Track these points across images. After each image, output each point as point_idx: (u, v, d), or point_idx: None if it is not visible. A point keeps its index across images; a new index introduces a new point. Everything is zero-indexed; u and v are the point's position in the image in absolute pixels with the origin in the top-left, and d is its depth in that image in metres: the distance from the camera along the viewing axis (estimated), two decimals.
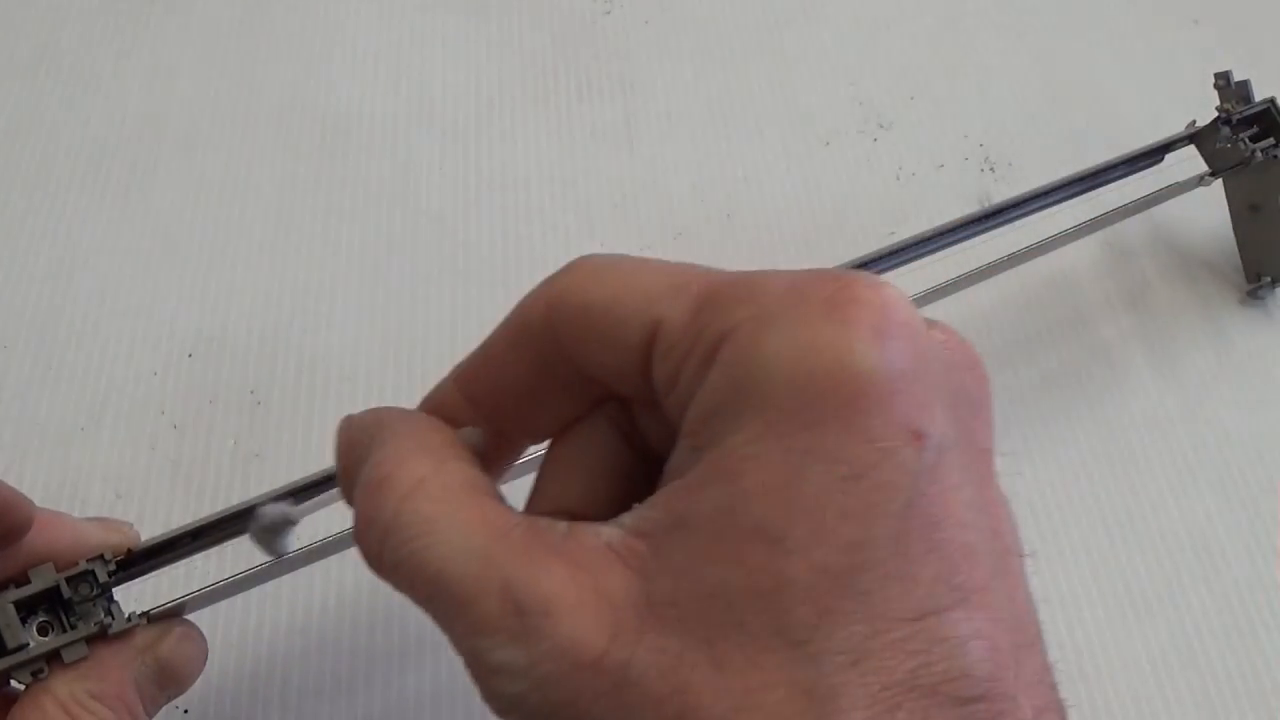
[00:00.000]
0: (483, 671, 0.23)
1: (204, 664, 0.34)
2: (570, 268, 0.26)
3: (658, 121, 0.58)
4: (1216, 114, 0.52)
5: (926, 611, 0.21)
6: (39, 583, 0.31)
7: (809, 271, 0.23)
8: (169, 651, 0.33)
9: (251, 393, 0.47)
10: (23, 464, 0.45)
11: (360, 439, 0.27)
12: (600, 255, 0.26)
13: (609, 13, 0.61)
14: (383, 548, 0.24)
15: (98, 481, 0.45)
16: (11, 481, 0.31)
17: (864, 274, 0.23)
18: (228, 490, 0.45)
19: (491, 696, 0.23)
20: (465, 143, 0.56)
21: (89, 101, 0.56)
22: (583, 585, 0.22)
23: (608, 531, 0.23)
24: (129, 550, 0.33)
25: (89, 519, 0.34)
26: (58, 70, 0.56)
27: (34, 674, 0.31)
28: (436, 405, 0.28)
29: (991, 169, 0.58)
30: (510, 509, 0.25)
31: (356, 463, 0.26)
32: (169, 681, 0.33)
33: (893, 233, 0.55)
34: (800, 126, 0.58)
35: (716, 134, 0.57)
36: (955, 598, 0.21)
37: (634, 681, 0.21)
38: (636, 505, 0.23)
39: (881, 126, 0.59)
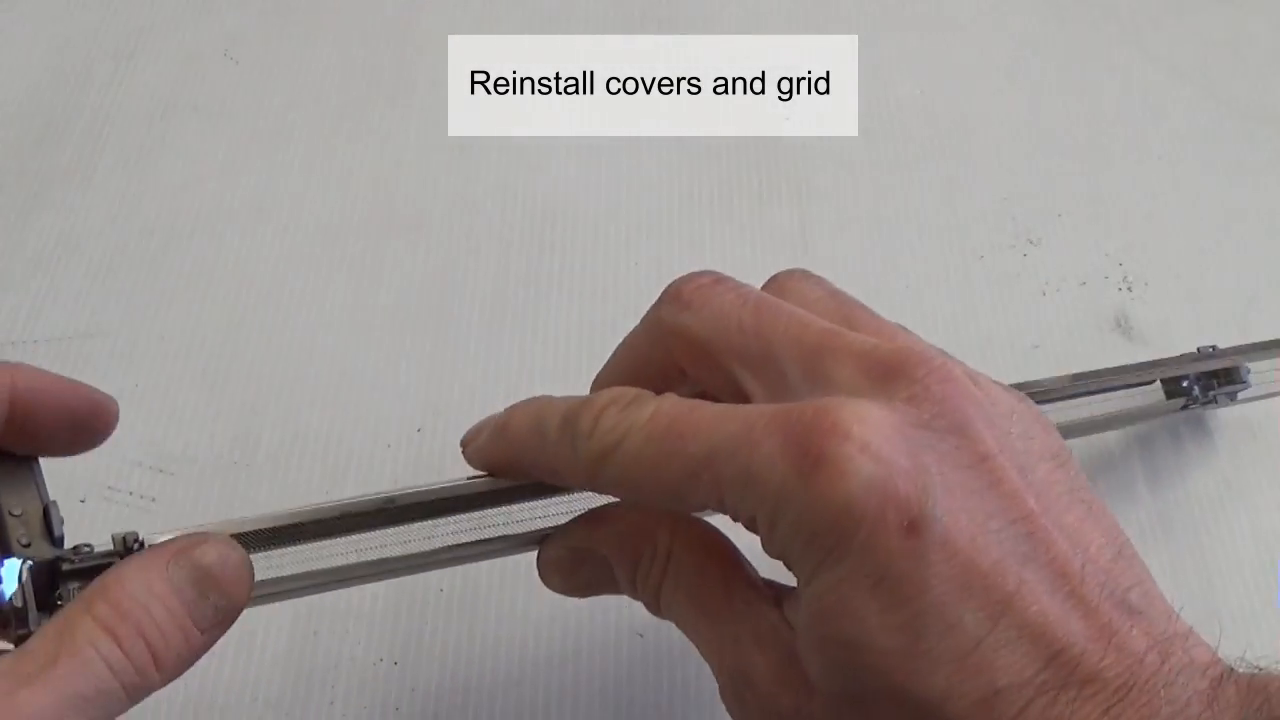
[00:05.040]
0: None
1: (250, 575, 0.33)
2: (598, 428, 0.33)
3: (830, 229, 0.63)
4: None
5: (979, 638, 0.28)
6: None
7: (778, 432, 0.29)
8: (204, 555, 0.31)
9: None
10: None
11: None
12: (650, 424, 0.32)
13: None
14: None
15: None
16: None
17: (827, 406, 0.29)
18: None
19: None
20: (657, 240, 0.62)
21: (323, 180, 0.62)
22: (772, 667, 0.31)
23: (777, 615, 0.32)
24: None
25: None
26: (294, 149, 0.63)
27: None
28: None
29: (1129, 287, 0.63)
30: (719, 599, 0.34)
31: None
32: (210, 586, 0.31)
33: (1036, 346, 0.60)
34: (959, 240, 0.64)
35: (883, 244, 0.63)
36: (997, 614, 0.28)
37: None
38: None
39: (1031, 242, 0.64)
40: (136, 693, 0.29)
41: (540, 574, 0.38)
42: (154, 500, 0.51)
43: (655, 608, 0.35)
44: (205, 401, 0.55)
